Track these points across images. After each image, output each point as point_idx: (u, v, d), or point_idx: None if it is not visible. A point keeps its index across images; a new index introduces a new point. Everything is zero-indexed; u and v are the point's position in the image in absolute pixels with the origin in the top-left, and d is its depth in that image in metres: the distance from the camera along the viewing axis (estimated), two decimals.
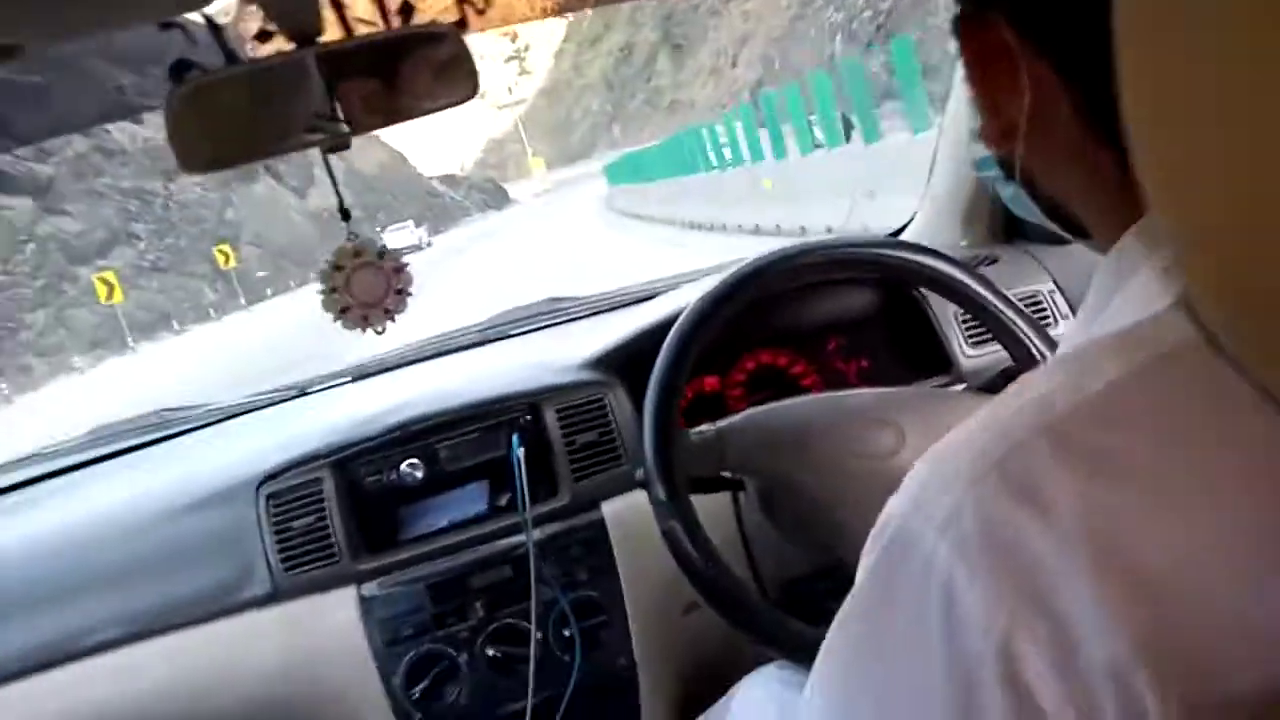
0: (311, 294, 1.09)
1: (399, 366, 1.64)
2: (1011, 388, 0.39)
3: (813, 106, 13.77)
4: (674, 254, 12.61)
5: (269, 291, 34.27)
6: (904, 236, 1.59)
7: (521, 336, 1.68)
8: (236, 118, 0.99)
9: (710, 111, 48.18)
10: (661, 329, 1.25)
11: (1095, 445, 0.35)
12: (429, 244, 38.65)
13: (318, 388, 1.64)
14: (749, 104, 21.48)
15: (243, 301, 33.18)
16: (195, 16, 0.97)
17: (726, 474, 1.10)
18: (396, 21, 1.05)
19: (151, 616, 1.25)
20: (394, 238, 38.12)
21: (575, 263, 14.71)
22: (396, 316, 1.13)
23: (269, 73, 0.98)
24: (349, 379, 1.64)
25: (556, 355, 1.43)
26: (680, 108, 75.96)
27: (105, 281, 27.54)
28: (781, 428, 1.09)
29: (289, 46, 0.96)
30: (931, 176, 1.58)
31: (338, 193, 1.08)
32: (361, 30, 1.05)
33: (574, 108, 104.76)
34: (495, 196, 62.76)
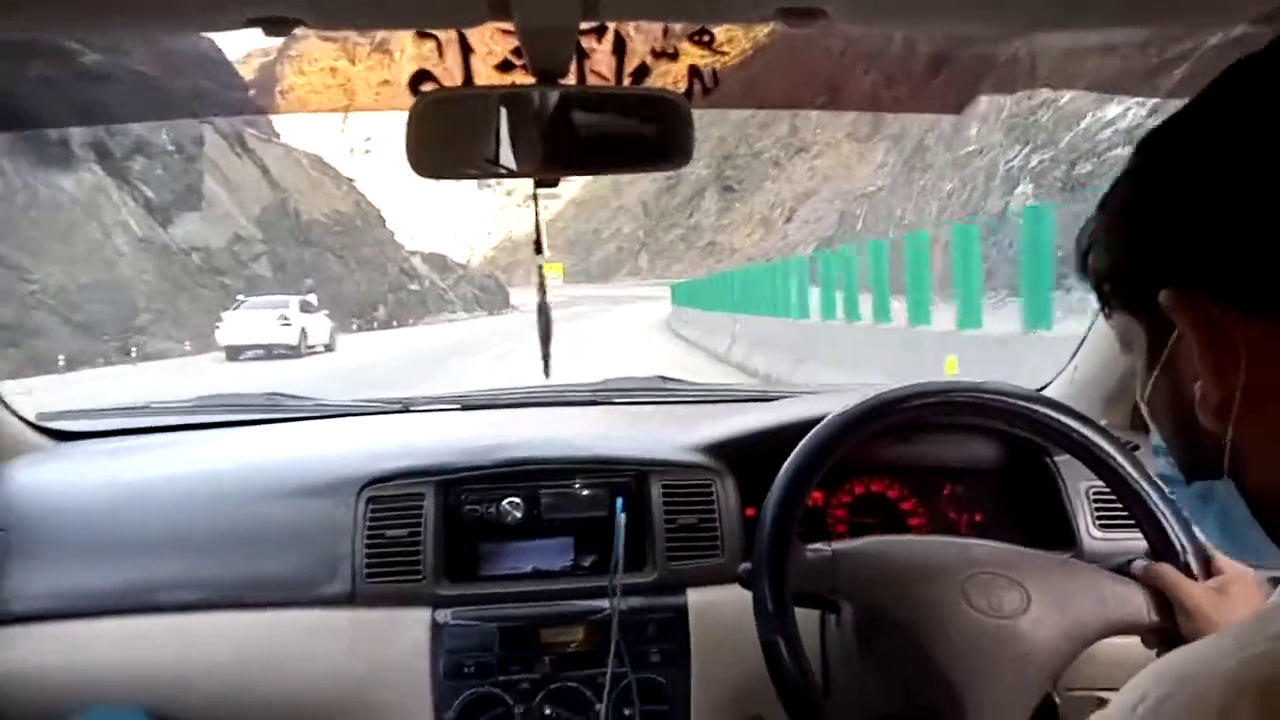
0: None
1: (507, 406, 1.75)
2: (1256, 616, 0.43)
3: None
4: None
5: None
6: None
7: (628, 406, 1.78)
8: (470, 135, 1.10)
9: (751, 261, 49.11)
10: (782, 431, 1.33)
11: None
12: (325, 347, 22.62)
13: (423, 408, 1.74)
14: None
15: None
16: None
17: (830, 596, 1.15)
18: (628, 81, 1.17)
19: (229, 589, 1.33)
20: (246, 322, 21.16)
21: None
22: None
23: (508, 100, 1.10)
24: (456, 406, 1.74)
25: (665, 432, 1.52)
26: (718, 250, 77.84)
27: None
28: (901, 561, 1.15)
29: (527, 79, 1.09)
30: (1080, 349, 1.66)
31: (538, 229, 1.18)
32: (595, 81, 1.17)
33: (605, 226, 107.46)
34: (493, 297, 51.38)
